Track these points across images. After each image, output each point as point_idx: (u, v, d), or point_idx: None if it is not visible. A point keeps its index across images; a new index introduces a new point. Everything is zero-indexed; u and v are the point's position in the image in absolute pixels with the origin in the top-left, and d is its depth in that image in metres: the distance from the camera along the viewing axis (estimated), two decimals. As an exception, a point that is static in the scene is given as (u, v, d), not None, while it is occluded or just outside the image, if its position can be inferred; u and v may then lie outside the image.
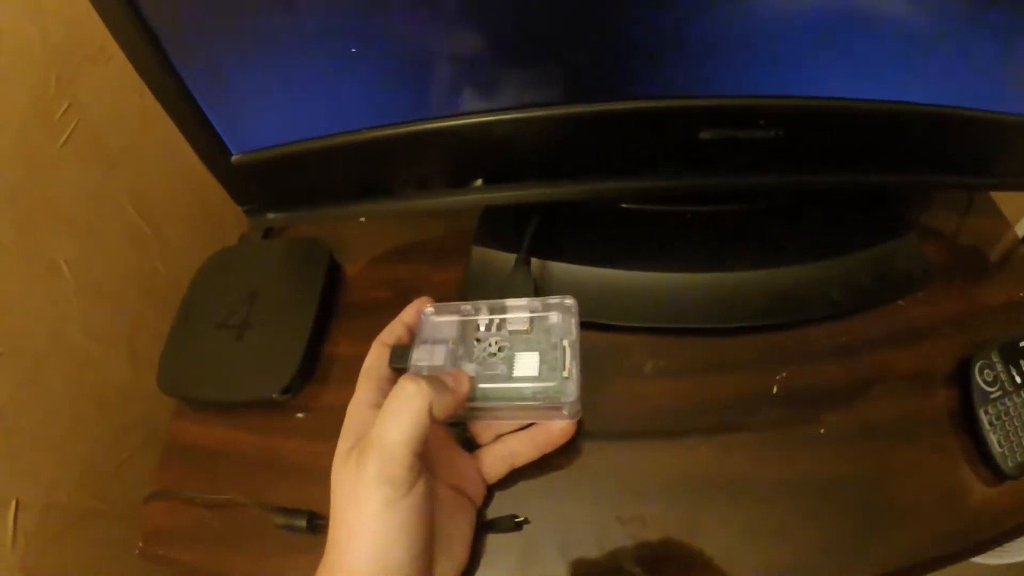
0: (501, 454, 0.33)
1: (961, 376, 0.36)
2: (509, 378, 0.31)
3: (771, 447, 0.35)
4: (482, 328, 0.32)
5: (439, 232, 0.50)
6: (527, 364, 0.31)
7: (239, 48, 0.32)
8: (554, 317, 0.32)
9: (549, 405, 0.30)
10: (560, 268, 0.42)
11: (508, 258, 0.44)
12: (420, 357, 0.31)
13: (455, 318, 0.33)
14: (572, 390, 0.30)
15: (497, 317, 0.32)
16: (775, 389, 0.37)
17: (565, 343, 0.31)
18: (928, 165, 0.38)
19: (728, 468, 0.34)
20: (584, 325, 0.40)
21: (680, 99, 0.32)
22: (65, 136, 0.44)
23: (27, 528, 0.42)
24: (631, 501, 0.34)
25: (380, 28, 0.31)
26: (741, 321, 0.39)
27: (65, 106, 0.44)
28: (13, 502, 0.41)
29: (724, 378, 0.38)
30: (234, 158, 0.37)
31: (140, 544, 0.39)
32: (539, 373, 0.30)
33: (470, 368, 0.31)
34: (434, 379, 0.28)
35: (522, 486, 0.35)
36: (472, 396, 0.30)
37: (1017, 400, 0.35)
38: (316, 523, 0.35)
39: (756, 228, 0.43)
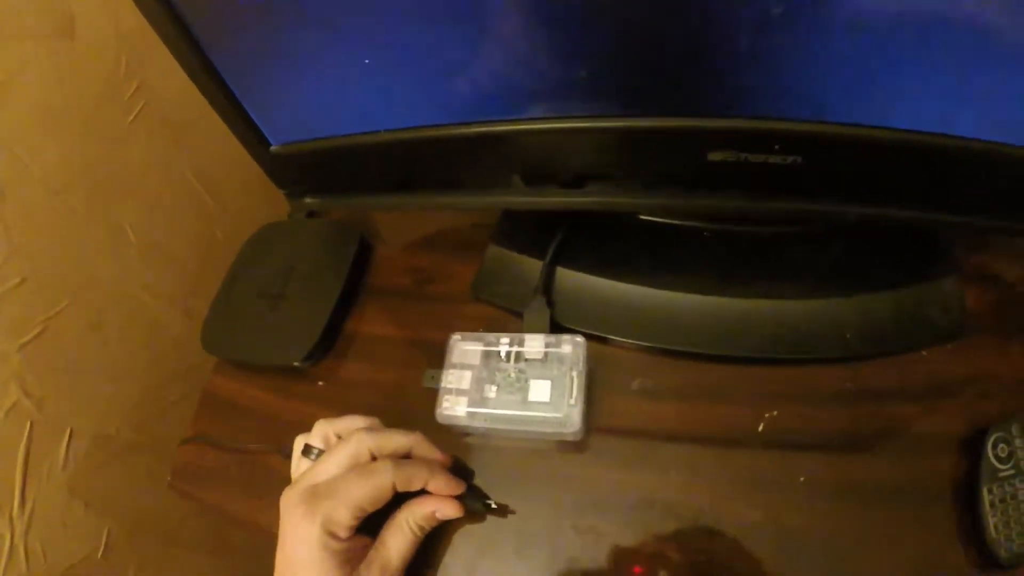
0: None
1: (972, 446, 0.33)
2: (524, 403, 0.35)
3: (742, 487, 0.34)
4: (503, 356, 0.37)
5: (466, 223, 0.52)
6: (540, 390, 0.35)
7: (272, 49, 0.34)
8: (566, 348, 0.36)
9: (556, 429, 0.35)
10: (570, 275, 0.42)
11: (521, 259, 0.45)
12: (450, 380, 0.37)
13: (479, 347, 0.38)
14: (576, 420, 0.34)
15: (515, 349, 0.37)
16: (761, 427, 0.35)
17: (574, 373, 0.35)
18: (978, 205, 0.34)
19: (692, 500, 0.34)
20: (583, 335, 0.40)
21: (701, 119, 0.31)
22: (134, 114, 0.49)
23: (77, 454, 0.48)
24: (589, 512, 0.35)
25: (400, 37, 0.31)
26: (740, 351, 0.38)
27: (134, 87, 0.48)
28: (68, 430, 0.47)
29: (709, 408, 0.37)
30: (272, 148, 0.39)
31: (168, 477, 0.45)
32: (550, 399, 0.35)
33: (492, 390, 0.36)
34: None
35: (489, 479, 0.37)
36: (493, 419, 0.36)
37: (1029, 484, 0.30)
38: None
39: (776, 251, 0.41)
